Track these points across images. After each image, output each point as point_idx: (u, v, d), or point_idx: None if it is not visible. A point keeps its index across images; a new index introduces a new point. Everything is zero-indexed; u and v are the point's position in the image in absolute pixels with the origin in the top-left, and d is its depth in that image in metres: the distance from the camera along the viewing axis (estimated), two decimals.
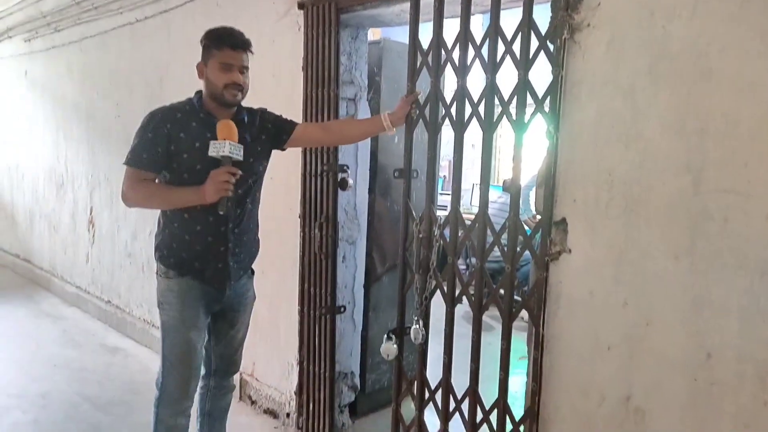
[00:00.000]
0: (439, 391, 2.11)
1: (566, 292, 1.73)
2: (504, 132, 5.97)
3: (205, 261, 1.96)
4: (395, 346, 2.20)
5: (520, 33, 1.78)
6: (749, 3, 1.37)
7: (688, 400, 1.50)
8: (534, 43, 1.75)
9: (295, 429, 2.76)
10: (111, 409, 3.01)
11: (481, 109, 1.93)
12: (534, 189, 1.87)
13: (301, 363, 2.70)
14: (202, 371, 2.15)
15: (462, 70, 1.97)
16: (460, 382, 2.05)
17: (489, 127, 1.92)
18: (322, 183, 2.53)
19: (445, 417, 2.10)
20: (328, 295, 2.56)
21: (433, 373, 2.16)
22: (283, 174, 2.69)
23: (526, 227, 2.58)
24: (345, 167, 2.52)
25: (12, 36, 5.32)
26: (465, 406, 2.04)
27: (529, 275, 2.11)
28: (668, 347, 1.52)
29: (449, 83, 2.18)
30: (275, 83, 2.75)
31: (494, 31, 1.85)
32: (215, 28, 1.92)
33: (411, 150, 2.17)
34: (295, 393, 2.75)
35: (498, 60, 1.87)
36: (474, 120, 1.96)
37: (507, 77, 1.85)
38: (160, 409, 2.01)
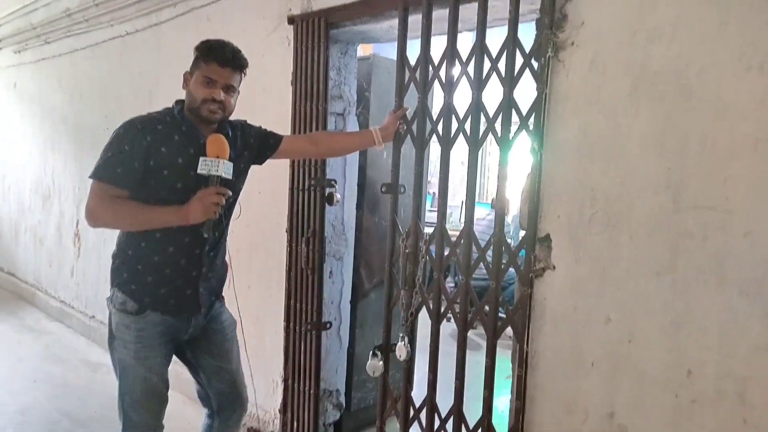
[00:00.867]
0: (425, 410, 2.09)
1: (551, 308, 1.73)
2: (493, 150, 6.03)
3: (172, 287, 1.77)
4: (381, 363, 2.19)
5: (505, 50, 1.81)
6: (727, 26, 1.40)
7: (669, 416, 1.50)
8: (519, 60, 1.77)
9: None
10: (91, 425, 2.96)
11: (468, 125, 1.94)
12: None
13: (286, 380, 2.67)
14: (206, 411, 2.04)
15: (449, 87, 1.99)
16: (447, 401, 2.03)
17: (475, 143, 1.94)
18: (310, 197, 2.53)
19: None
20: (314, 311, 2.55)
21: (420, 391, 2.14)
22: (270, 188, 2.69)
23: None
24: (333, 182, 2.52)
25: (1, 48, 5.31)
26: (450, 425, 2.02)
27: (514, 293, 2.11)
28: (650, 364, 1.53)
29: (437, 99, 2.20)
30: (264, 97, 2.76)
31: (480, 48, 1.88)
32: (211, 39, 1.78)
33: (399, 165, 2.18)
34: (280, 411, 2.72)
35: (484, 77, 1.89)
36: (461, 136, 1.98)
37: (493, 94, 1.87)
38: None
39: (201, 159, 1.67)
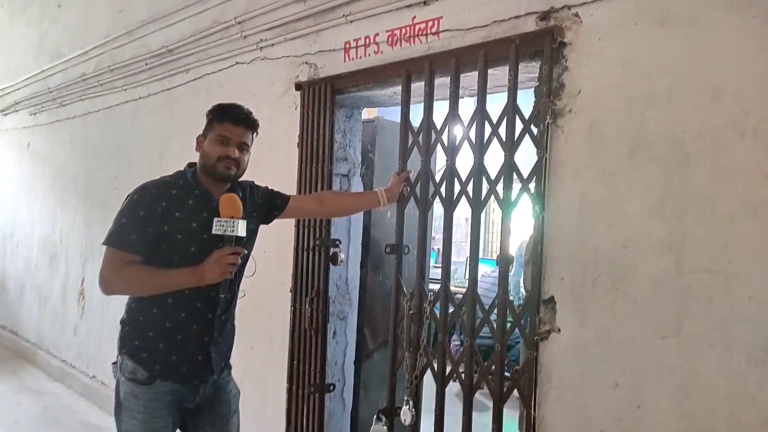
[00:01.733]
0: None
1: (557, 372, 1.71)
2: (496, 207, 6.07)
3: (184, 353, 1.74)
4: (385, 427, 2.14)
5: (505, 117, 1.86)
6: (720, 93, 1.45)
7: None
8: (519, 126, 1.83)
9: None
10: None
11: (470, 187, 1.98)
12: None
13: None
14: None
15: (451, 150, 2.04)
16: None
17: (477, 205, 1.96)
18: (314, 257, 2.54)
19: None
20: (317, 373, 2.51)
21: None
22: (275, 248, 2.70)
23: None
24: (337, 242, 2.54)
25: (18, 110, 5.49)
26: None
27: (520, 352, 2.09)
28: (661, 431, 1.49)
29: (440, 160, 2.25)
30: (271, 159, 2.82)
31: (481, 114, 1.94)
32: (224, 103, 1.83)
33: (402, 226, 2.20)
34: None
35: (485, 141, 1.94)
36: (463, 198, 2.01)
37: (494, 157, 1.92)
38: None
39: (215, 219, 1.67)
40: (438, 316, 2.07)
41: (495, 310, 1.88)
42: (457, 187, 2.03)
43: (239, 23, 2.93)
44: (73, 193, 4.66)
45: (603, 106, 1.65)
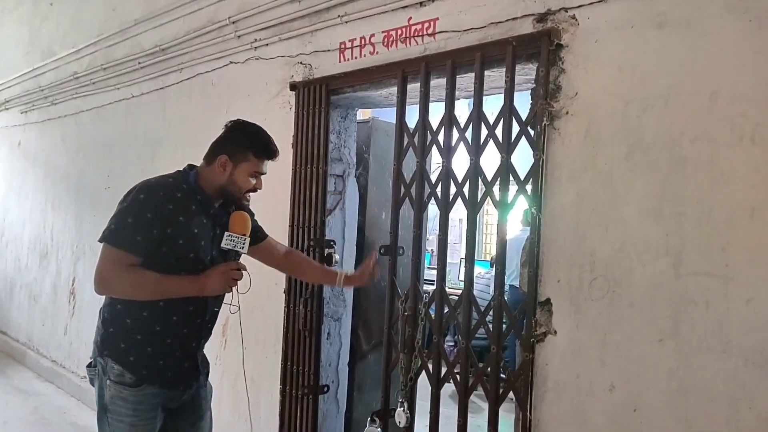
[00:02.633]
0: None
1: (553, 374, 1.71)
2: (490, 207, 6.07)
3: (172, 358, 1.73)
4: (379, 429, 2.13)
5: (502, 118, 1.86)
6: (718, 97, 1.45)
7: None
8: (515, 128, 1.82)
9: None
10: None
11: (466, 189, 1.97)
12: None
13: None
14: None
15: (447, 152, 2.03)
16: None
17: (473, 207, 1.96)
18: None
19: None
20: (311, 374, 2.50)
21: None
22: None
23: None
24: (332, 242, 2.53)
25: (9, 108, 5.43)
26: None
27: (515, 354, 2.08)
28: None
29: (435, 160, 2.24)
30: None
31: (477, 116, 1.93)
32: (256, 131, 1.81)
33: (397, 227, 2.19)
34: None
35: (481, 143, 1.93)
36: (459, 199, 2.00)
37: (491, 158, 1.91)
38: None
39: (226, 234, 1.70)
40: (433, 317, 2.06)
41: (491, 312, 1.88)
42: (453, 189, 2.02)
43: (233, 23, 2.91)
44: (65, 192, 4.61)
45: (600, 109, 1.65)
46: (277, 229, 2.52)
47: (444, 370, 2.02)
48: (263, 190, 2.71)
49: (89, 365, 1.79)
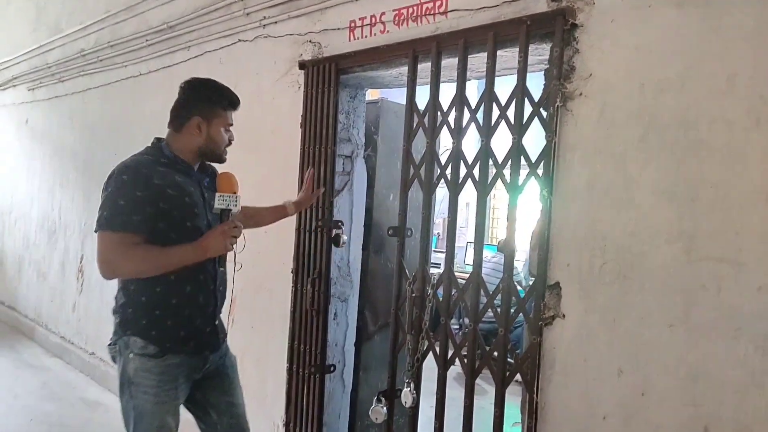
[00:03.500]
0: None
1: (560, 358, 1.70)
2: (498, 192, 6.04)
3: (192, 327, 1.77)
4: (385, 409, 2.14)
5: (514, 99, 1.83)
6: (735, 79, 1.42)
7: None
8: (528, 109, 1.80)
9: None
10: None
11: (476, 171, 1.95)
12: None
13: (287, 424, 2.61)
14: None
15: (457, 133, 2.01)
16: None
17: (483, 189, 1.94)
18: (316, 238, 2.52)
19: None
20: (317, 354, 2.51)
21: None
22: (276, 228, 2.67)
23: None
24: (339, 223, 2.52)
25: (16, 85, 5.42)
26: None
27: (522, 337, 2.08)
28: (664, 419, 1.49)
29: (444, 142, 2.22)
30: (274, 139, 2.79)
31: (489, 96, 1.90)
32: (216, 85, 1.85)
33: (406, 208, 2.18)
34: None
35: (493, 124, 1.91)
36: (469, 181, 1.98)
37: (502, 139, 1.89)
38: None
39: (218, 195, 1.71)
40: (440, 299, 2.06)
41: (499, 295, 1.87)
42: (463, 170, 2.00)
43: (242, 0, 2.87)
44: (73, 170, 4.62)
45: (614, 90, 1.62)
46: None
47: (451, 351, 2.02)
48: (272, 168, 2.72)
49: (110, 344, 1.81)
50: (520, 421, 1.84)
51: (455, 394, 2.12)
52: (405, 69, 2.19)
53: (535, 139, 1.81)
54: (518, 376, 1.82)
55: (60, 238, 4.75)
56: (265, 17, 2.78)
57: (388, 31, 2.26)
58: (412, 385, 2.08)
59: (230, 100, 1.84)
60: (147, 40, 3.61)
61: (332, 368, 2.58)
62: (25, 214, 5.39)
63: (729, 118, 1.42)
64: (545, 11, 1.76)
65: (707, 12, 1.48)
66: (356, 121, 2.69)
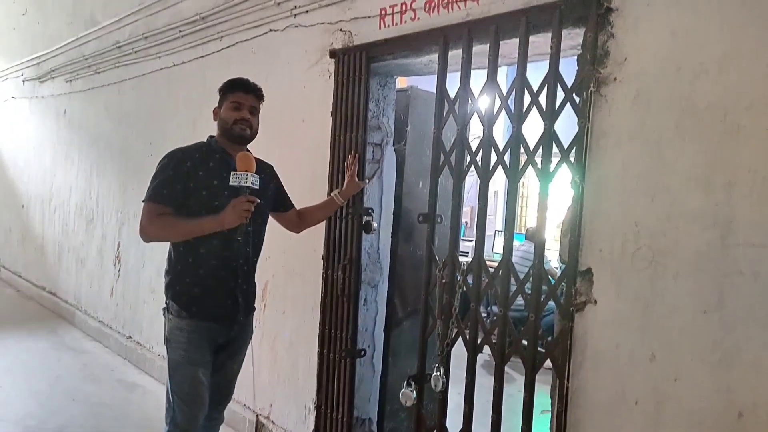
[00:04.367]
0: None
1: (592, 343, 1.71)
2: (526, 180, 5.99)
3: (215, 297, 2.04)
4: (414, 393, 2.18)
5: (546, 85, 1.82)
6: None
7: None
8: (560, 95, 1.79)
9: None
10: None
11: (507, 158, 1.95)
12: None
13: (318, 407, 2.67)
14: None
15: (488, 119, 2.01)
16: None
17: (514, 175, 1.94)
18: (347, 225, 2.56)
19: None
20: (348, 339, 2.55)
21: (452, 422, 2.12)
22: None
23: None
24: (370, 210, 2.55)
25: (54, 77, 5.57)
26: None
27: (552, 325, 2.08)
28: (697, 404, 1.48)
29: (474, 129, 2.22)
30: (305, 127, 2.83)
31: (521, 83, 1.90)
32: (231, 78, 2.15)
33: (436, 195, 2.20)
34: None
35: (524, 110, 1.91)
36: (499, 168, 1.99)
37: (533, 126, 1.89)
38: None
39: (232, 173, 1.91)
40: (470, 286, 2.08)
41: (529, 281, 1.88)
42: (493, 157, 2.00)
43: None
44: (109, 159, 4.75)
45: (650, 75, 1.60)
46: (316, 196, 2.56)
47: (481, 338, 2.04)
48: (303, 156, 2.76)
49: (163, 308, 2.11)
50: (549, 408, 1.84)
51: (483, 381, 2.14)
52: (435, 56, 2.19)
53: (566, 126, 1.80)
54: (547, 363, 1.83)
55: (98, 225, 4.89)
56: (295, 6, 2.81)
57: (418, 19, 2.27)
58: (441, 369, 2.10)
59: (231, 83, 2.11)
60: (180, 32, 3.68)
61: (362, 353, 2.62)
62: (63, 203, 5.56)
63: None
64: None
65: None
66: (386, 109, 2.71)
